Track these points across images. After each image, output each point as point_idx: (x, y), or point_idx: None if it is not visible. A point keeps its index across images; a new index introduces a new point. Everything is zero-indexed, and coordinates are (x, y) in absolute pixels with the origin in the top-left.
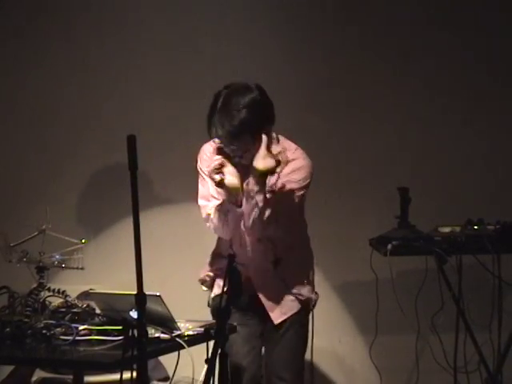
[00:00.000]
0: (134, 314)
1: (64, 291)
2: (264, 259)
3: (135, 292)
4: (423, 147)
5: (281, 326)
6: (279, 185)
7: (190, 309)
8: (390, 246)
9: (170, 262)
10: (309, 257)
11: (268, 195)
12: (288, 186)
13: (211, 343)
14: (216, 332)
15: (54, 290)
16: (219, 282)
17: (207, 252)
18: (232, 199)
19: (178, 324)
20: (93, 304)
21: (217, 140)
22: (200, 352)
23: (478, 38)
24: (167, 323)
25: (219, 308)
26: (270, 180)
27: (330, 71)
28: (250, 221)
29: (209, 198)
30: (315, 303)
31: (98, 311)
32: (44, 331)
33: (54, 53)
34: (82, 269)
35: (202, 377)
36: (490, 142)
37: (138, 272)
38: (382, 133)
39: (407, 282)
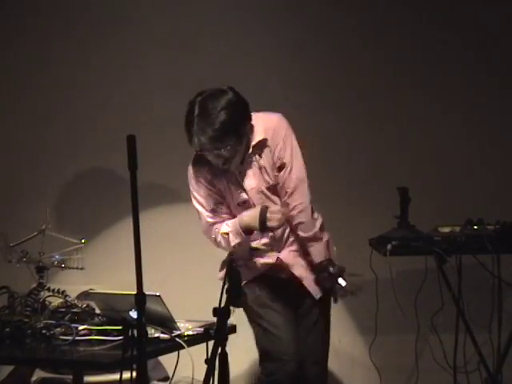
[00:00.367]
0: (133, 314)
1: (64, 291)
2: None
3: (135, 292)
4: (423, 147)
5: (312, 312)
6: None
7: (190, 309)
8: (389, 246)
9: (169, 262)
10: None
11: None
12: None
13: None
14: (216, 332)
15: (53, 290)
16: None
17: (207, 252)
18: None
19: (178, 324)
20: (92, 304)
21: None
22: (200, 352)
23: (479, 38)
24: (167, 323)
25: (219, 308)
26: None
27: (330, 71)
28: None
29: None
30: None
31: (97, 311)
32: (44, 331)
33: (54, 53)
34: (81, 269)
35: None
36: (490, 142)
37: (138, 272)
38: (382, 133)
39: (407, 282)
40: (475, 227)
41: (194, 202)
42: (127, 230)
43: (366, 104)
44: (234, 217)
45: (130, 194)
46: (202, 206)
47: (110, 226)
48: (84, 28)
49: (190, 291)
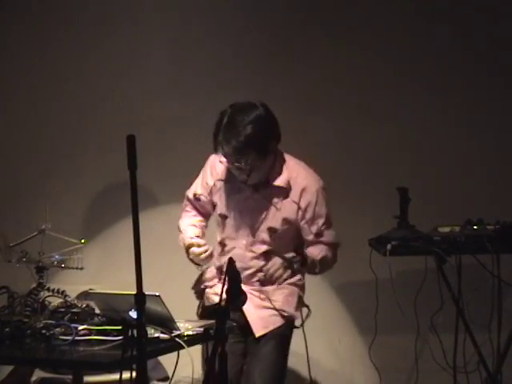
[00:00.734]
0: (133, 314)
1: (63, 291)
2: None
3: (135, 292)
4: (423, 147)
5: (260, 339)
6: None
7: (190, 309)
8: (389, 246)
9: (169, 262)
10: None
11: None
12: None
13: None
14: (215, 332)
15: (53, 290)
16: (208, 295)
17: None
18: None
19: (178, 324)
20: (92, 304)
21: (223, 159)
22: (200, 352)
23: (479, 38)
24: (167, 323)
25: (219, 308)
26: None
27: (330, 71)
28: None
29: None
30: (304, 319)
31: (97, 311)
32: (43, 331)
33: (53, 52)
34: (81, 269)
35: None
36: (490, 142)
37: (138, 272)
38: (382, 133)
39: (407, 282)
40: (475, 227)
41: (197, 180)
42: (127, 230)
43: (366, 104)
44: (202, 214)
45: (130, 194)
46: (196, 185)
47: (110, 226)
48: (83, 28)
49: (189, 291)
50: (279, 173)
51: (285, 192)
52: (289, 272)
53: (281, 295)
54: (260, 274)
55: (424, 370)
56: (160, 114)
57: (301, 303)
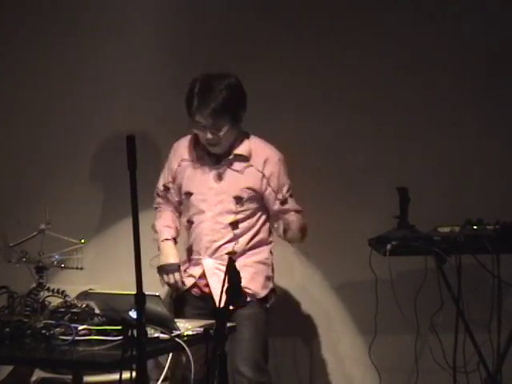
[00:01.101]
0: (133, 314)
1: (63, 291)
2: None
3: (134, 292)
4: (423, 147)
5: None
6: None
7: None
8: (389, 246)
9: None
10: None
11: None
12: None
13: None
14: (216, 332)
15: (53, 290)
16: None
17: None
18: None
19: (178, 324)
20: (92, 304)
21: (196, 130)
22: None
23: (479, 38)
24: (166, 323)
25: (219, 308)
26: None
27: (330, 71)
28: None
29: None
30: (270, 302)
31: (97, 311)
32: (43, 331)
33: (53, 52)
34: (81, 269)
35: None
36: (490, 142)
37: (138, 272)
38: (382, 133)
39: (406, 282)
40: (475, 227)
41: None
42: (127, 230)
43: (366, 104)
44: (175, 208)
45: (130, 193)
46: (163, 176)
47: (110, 226)
48: (83, 28)
49: None
50: (240, 143)
51: (246, 160)
52: (256, 241)
53: (247, 272)
54: (228, 246)
55: (424, 370)
56: (160, 114)
57: (268, 282)
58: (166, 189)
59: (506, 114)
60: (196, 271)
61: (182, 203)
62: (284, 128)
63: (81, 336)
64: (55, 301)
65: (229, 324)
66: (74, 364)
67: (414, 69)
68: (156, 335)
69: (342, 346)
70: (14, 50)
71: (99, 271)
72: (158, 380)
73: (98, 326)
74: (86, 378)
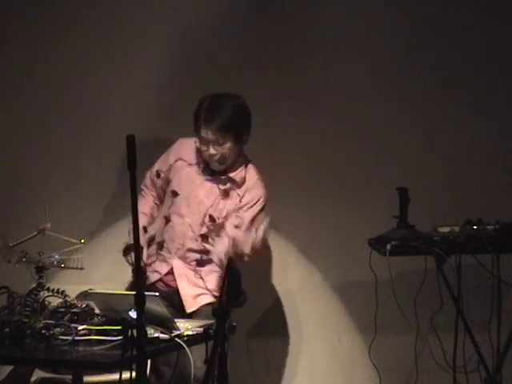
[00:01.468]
0: (133, 314)
1: (63, 291)
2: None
3: (134, 292)
4: (423, 147)
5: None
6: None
7: None
8: (389, 246)
9: None
10: None
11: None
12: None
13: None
14: (215, 332)
15: (53, 290)
16: (148, 274)
17: None
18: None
19: (178, 324)
20: (92, 304)
21: (198, 144)
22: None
23: (479, 38)
24: (166, 323)
25: (219, 308)
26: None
27: (330, 71)
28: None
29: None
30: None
31: (97, 311)
32: (43, 331)
33: (53, 53)
34: (81, 269)
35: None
36: (490, 142)
37: (138, 272)
38: (382, 133)
39: (406, 282)
40: (474, 227)
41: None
42: (127, 229)
43: (365, 104)
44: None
45: (130, 193)
46: (158, 162)
47: (110, 226)
48: (84, 28)
49: None
50: (238, 167)
51: (237, 186)
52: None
53: (214, 277)
54: (196, 256)
55: (424, 370)
56: (160, 113)
57: None
58: (158, 175)
59: (506, 113)
60: (163, 268)
61: (165, 195)
62: (283, 127)
63: (81, 336)
64: (55, 301)
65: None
66: (74, 364)
67: (414, 69)
68: (156, 335)
69: (342, 346)
70: (13, 50)
71: (99, 271)
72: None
73: (97, 326)
74: (86, 378)
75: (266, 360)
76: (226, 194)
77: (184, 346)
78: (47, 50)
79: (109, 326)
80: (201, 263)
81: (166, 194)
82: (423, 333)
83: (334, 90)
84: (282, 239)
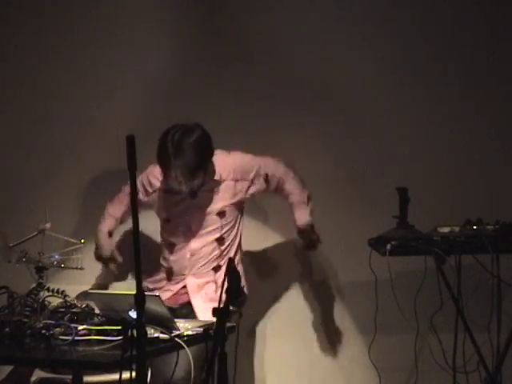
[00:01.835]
0: (133, 314)
1: (63, 291)
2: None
3: (134, 292)
4: (423, 147)
5: None
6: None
7: None
8: (389, 246)
9: None
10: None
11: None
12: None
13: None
14: (215, 332)
15: (53, 290)
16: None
17: None
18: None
19: (177, 324)
20: (92, 304)
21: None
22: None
23: (479, 38)
24: (166, 323)
25: (219, 308)
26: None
27: (330, 70)
28: None
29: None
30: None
31: (97, 311)
32: (43, 331)
33: (53, 53)
34: (81, 269)
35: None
36: (490, 142)
37: (138, 272)
38: (382, 133)
39: (406, 282)
40: (474, 227)
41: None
42: (124, 230)
43: (365, 104)
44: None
45: (130, 193)
46: (140, 181)
47: None
48: (83, 28)
49: None
50: (215, 170)
51: (218, 183)
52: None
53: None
54: (213, 264)
55: (424, 370)
56: (159, 114)
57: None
58: (146, 193)
59: (506, 113)
60: (176, 287)
61: (142, 205)
62: (284, 127)
63: (80, 336)
64: (55, 301)
65: (228, 324)
66: (74, 364)
67: (414, 69)
68: (156, 335)
69: (342, 346)
70: (13, 51)
71: (99, 271)
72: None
73: (97, 326)
74: (86, 378)
75: (266, 360)
76: (216, 192)
77: (184, 346)
78: (47, 49)
79: (109, 325)
80: (218, 268)
81: (159, 216)
82: (423, 333)
83: (334, 90)
84: (281, 239)
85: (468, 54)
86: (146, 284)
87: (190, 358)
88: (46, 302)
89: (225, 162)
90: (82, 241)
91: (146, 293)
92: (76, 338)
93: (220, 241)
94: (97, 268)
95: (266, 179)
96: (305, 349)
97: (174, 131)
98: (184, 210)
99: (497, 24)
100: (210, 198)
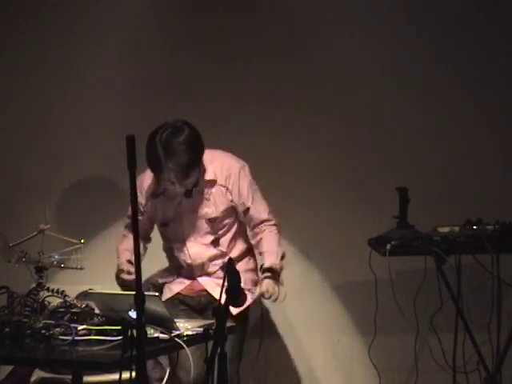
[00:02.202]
0: (132, 314)
1: (63, 291)
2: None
3: (134, 292)
4: (423, 147)
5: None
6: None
7: None
8: (388, 246)
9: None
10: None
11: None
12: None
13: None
14: (215, 332)
15: (53, 290)
16: (170, 286)
17: None
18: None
19: (177, 324)
20: (92, 304)
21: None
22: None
23: (479, 38)
24: (166, 323)
25: (218, 308)
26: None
27: (330, 70)
28: None
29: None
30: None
31: (96, 311)
32: (43, 331)
33: (53, 53)
34: (81, 269)
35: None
36: (490, 142)
37: (138, 272)
38: (382, 132)
39: (406, 282)
40: (474, 227)
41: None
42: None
43: (365, 104)
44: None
45: (130, 193)
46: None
47: (109, 226)
48: (81, 29)
49: None
50: (205, 169)
51: (213, 183)
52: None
53: (246, 275)
54: (217, 262)
55: (423, 370)
56: (159, 114)
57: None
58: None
59: (506, 113)
60: (188, 280)
61: (151, 233)
62: (285, 128)
63: (80, 336)
64: (55, 301)
65: (228, 324)
66: (74, 364)
67: (414, 69)
68: (156, 335)
69: (341, 346)
70: (13, 51)
71: (99, 271)
72: (158, 379)
73: (97, 326)
74: (86, 378)
75: (266, 360)
76: (210, 197)
77: (184, 346)
78: (47, 49)
79: (109, 325)
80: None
81: (155, 223)
82: (423, 333)
83: (334, 91)
84: (281, 239)
85: (468, 54)
86: (155, 279)
87: (190, 358)
88: (46, 302)
89: (223, 165)
90: (82, 241)
91: (145, 293)
92: (76, 338)
93: (215, 242)
94: (97, 268)
95: (243, 212)
96: (304, 349)
97: (161, 131)
98: (178, 214)
99: (497, 24)
100: (202, 202)
